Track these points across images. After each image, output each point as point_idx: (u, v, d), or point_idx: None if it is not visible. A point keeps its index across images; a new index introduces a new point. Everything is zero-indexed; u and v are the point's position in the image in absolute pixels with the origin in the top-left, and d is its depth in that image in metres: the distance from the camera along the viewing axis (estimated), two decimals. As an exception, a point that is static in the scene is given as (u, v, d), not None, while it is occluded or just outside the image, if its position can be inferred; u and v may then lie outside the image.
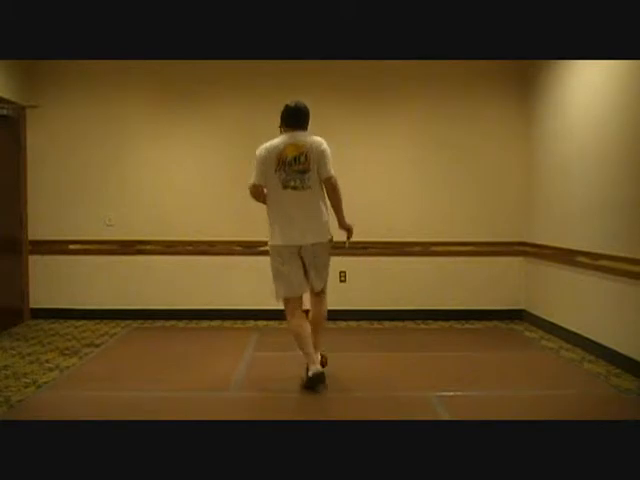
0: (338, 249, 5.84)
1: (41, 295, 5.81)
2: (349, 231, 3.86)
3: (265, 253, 5.82)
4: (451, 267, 5.86)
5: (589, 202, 4.60)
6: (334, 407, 3.48)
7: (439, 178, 5.85)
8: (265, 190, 3.73)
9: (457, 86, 5.82)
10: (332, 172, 3.68)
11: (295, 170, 3.63)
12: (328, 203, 3.76)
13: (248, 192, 3.76)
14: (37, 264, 5.80)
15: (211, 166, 5.83)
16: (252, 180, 3.69)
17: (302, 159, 3.62)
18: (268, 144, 3.70)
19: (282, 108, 3.76)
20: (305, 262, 3.76)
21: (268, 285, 5.83)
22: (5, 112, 5.37)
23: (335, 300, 5.76)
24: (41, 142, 5.77)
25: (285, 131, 3.74)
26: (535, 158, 5.67)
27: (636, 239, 4.00)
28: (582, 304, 4.75)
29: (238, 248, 5.82)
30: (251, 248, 5.83)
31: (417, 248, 5.86)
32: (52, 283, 5.80)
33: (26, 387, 3.73)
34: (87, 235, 5.80)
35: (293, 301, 3.81)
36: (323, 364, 3.79)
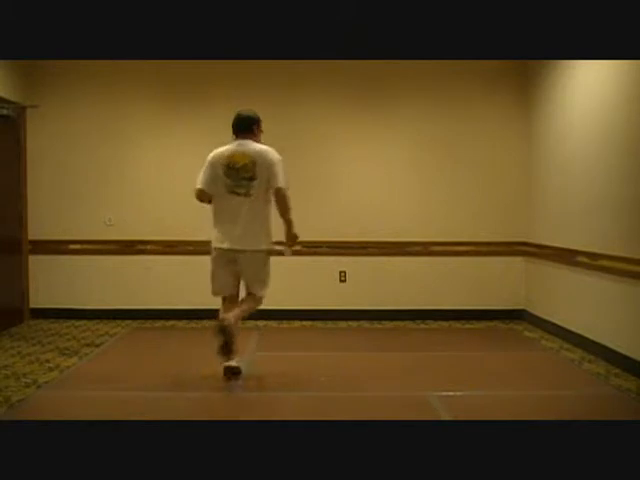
0: (337, 248, 5.88)
1: (41, 295, 5.80)
2: (293, 240, 3.90)
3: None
4: (451, 267, 5.86)
5: (589, 202, 4.60)
6: (334, 407, 3.48)
7: (439, 178, 5.85)
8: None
9: (457, 86, 5.82)
10: (282, 183, 3.75)
11: (242, 177, 3.73)
12: (272, 212, 3.84)
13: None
14: (37, 264, 5.80)
15: (211, 166, 5.83)
16: (198, 184, 3.84)
17: (249, 166, 3.73)
18: (219, 149, 3.84)
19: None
20: (240, 267, 3.83)
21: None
22: (5, 112, 5.37)
23: (335, 300, 5.81)
24: (41, 142, 5.77)
25: (238, 138, 3.87)
26: (535, 158, 5.68)
27: (636, 239, 4.00)
28: (582, 304, 4.75)
29: (238, 248, 5.81)
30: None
31: (417, 248, 5.86)
32: (52, 283, 5.80)
33: (26, 387, 3.73)
34: (87, 235, 5.79)
35: (226, 299, 3.91)
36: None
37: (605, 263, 4.34)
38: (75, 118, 5.78)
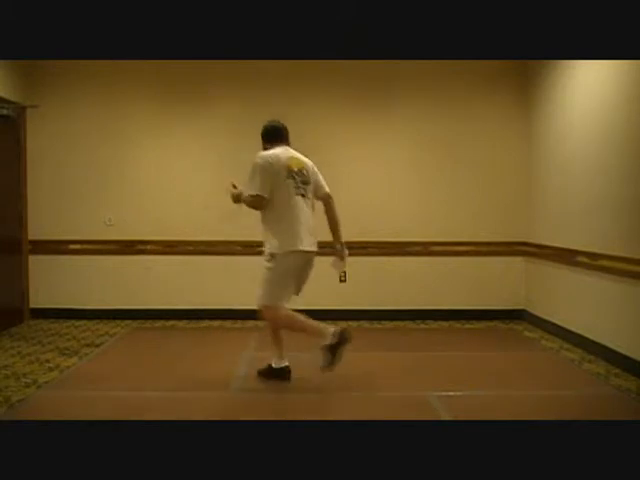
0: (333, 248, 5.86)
1: (41, 295, 5.80)
2: (345, 251, 3.93)
3: (263, 253, 5.86)
4: (451, 267, 5.86)
5: (589, 202, 4.60)
6: (334, 407, 3.48)
7: (439, 178, 5.85)
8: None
9: (457, 86, 5.82)
10: (327, 188, 3.89)
11: (302, 180, 3.73)
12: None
13: (246, 200, 3.72)
14: (37, 264, 5.80)
15: (211, 166, 5.83)
16: (257, 191, 3.62)
17: (304, 172, 3.75)
18: (270, 153, 3.70)
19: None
20: (304, 269, 3.79)
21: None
22: (5, 112, 5.37)
23: (335, 300, 5.80)
24: (41, 142, 5.77)
25: (276, 146, 3.77)
26: (535, 158, 5.68)
27: (636, 239, 4.00)
28: (582, 304, 4.75)
29: (238, 248, 5.82)
30: (251, 248, 5.83)
31: (417, 248, 5.86)
32: (52, 283, 5.80)
33: (26, 387, 3.73)
34: (87, 235, 5.80)
35: (282, 307, 3.76)
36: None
37: (605, 263, 4.34)
38: (75, 118, 5.78)
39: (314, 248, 3.76)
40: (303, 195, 3.72)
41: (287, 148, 3.81)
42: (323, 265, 5.88)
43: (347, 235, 5.84)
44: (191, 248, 5.83)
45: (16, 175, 5.65)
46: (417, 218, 5.88)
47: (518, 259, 5.88)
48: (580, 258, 4.71)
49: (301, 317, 3.71)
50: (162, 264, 5.81)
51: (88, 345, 4.83)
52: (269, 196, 3.63)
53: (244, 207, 5.83)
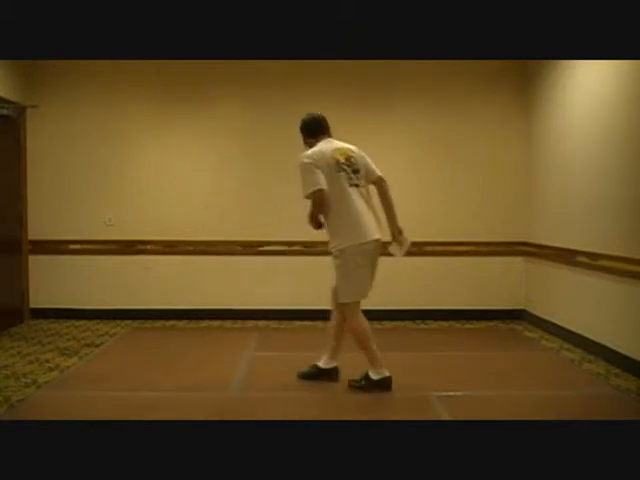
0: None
1: (41, 295, 5.80)
2: (401, 234, 3.80)
3: (263, 253, 5.88)
4: (451, 267, 5.86)
5: (589, 202, 4.60)
6: (334, 407, 3.48)
7: (439, 178, 5.85)
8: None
9: (457, 86, 5.82)
10: (379, 171, 3.78)
11: (352, 170, 3.65)
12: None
13: (309, 213, 3.66)
14: (37, 264, 5.80)
15: (211, 166, 5.84)
16: (317, 186, 3.51)
17: (352, 160, 3.66)
18: (316, 150, 3.63)
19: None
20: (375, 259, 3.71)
21: (268, 285, 5.88)
22: (5, 112, 5.37)
23: (335, 300, 5.80)
24: (41, 142, 5.77)
25: (319, 139, 3.73)
26: (535, 158, 5.68)
27: (636, 239, 4.00)
28: (582, 304, 4.75)
29: (238, 248, 5.82)
30: (251, 248, 5.83)
31: (417, 248, 5.85)
32: (52, 283, 5.80)
33: (26, 387, 3.73)
34: (87, 235, 5.79)
35: (358, 302, 3.71)
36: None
37: (605, 263, 4.34)
38: (75, 118, 5.78)
39: (379, 235, 3.66)
40: (356, 185, 3.65)
41: (330, 140, 3.74)
42: (323, 265, 5.89)
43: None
44: (191, 248, 5.83)
45: (16, 175, 5.65)
46: (417, 218, 5.86)
47: (518, 259, 5.88)
48: (580, 258, 4.71)
49: (371, 336, 3.70)
50: (162, 264, 5.81)
51: (88, 345, 4.83)
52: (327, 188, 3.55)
53: (243, 207, 5.86)
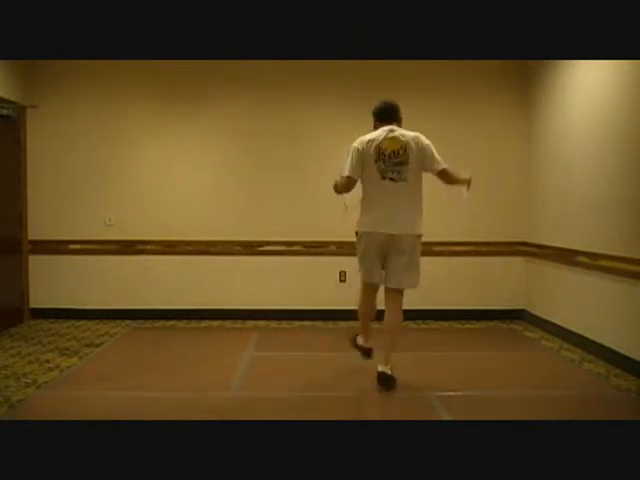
0: (337, 248, 5.87)
1: (41, 295, 5.81)
2: (469, 182, 3.89)
3: (263, 253, 5.88)
4: (451, 267, 5.86)
5: (589, 202, 4.60)
6: (334, 407, 3.48)
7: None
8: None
9: (457, 86, 5.82)
10: (443, 164, 3.76)
11: (394, 162, 3.69)
12: (422, 197, 3.81)
13: (334, 182, 3.84)
14: (37, 264, 5.80)
15: (211, 166, 5.84)
16: (346, 172, 3.74)
17: (401, 152, 3.70)
18: (367, 136, 3.78)
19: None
20: (390, 253, 3.74)
21: (268, 285, 5.88)
22: (5, 112, 5.37)
23: (335, 300, 5.80)
24: (41, 142, 5.77)
25: (380, 125, 3.85)
26: (535, 158, 5.68)
27: (636, 239, 4.00)
28: (582, 304, 4.75)
29: (238, 248, 5.82)
30: (251, 248, 5.83)
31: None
32: (52, 283, 5.80)
33: (26, 387, 3.73)
34: (87, 235, 5.80)
35: (370, 286, 3.91)
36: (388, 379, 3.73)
37: (605, 263, 4.34)
38: (75, 118, 5.78)
39: (397, 231, 3.67)
40: (393, 179, 3.68)
41: (391, 128, 3.78)
42: (323, 265, 5.91)
43: (347, 235, 5.86)
44: (191, 248, 5.83)
45: (16, 175, 5.65)
46: (417, 218, 5.87)
47: (518, 259, 5.88)
48: (580, 258, 4.71)
49: (366, 316, 4.00)
50: (162, 264, 5.81)
51: (88, 345, 4.83)
52: (359, 177, 3.74)
53: (243, 207, 5.86)
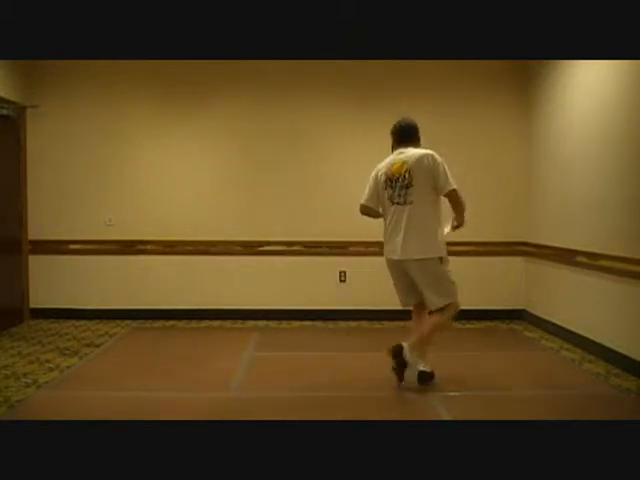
0: (337, 248, 5.88)
1: (41, 295, 5.81)
2: (457, 227, 3.84)
3: (263, 253, 5.88)
4: (451, 267, 5.84)
5: (589, 202, 4.60)
6: (334, 407, 3.48)
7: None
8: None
9: (457, 86, 5.82)
10: (451, 185, 3.66)
11: (399, 186, 3.71)
12: (437, 217, 3.75)
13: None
14: (37, 264, 5.81)
15: (211, 166, 5.84)
16: (362, 200, 3.92)
17: (405, 175, 3.69)
18: (381, 163, 3.87)
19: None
20: (412, 277, 3.75)
21: (268, 285, 5.88)
22: (5, 112, 5.37)
23: (335, 300, 5.81)
24: (41, 142, 5.77)
25: (397, 146, 3.87)
26: (535, 158, 5.68)
27: (636, 239, 4.00)
28: (582, 304, 4.75)
29: (238, 248, 5.82)
30: (251, 248, 5.84)
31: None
32: (52, 283, 5.80)
33: (26, 387, 3.73)
34: (87, 235, 5.80)
35: (414, 309, 3.97)
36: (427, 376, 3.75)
37: (605, 263, 4.34)
38: (75, 118, 5.78)
39: (401, 257, 3.67)
40: (399, 203, 3.70)
41: (400, 151, 3.78)
42: (323, 265, 5.91)
43: (347, 235, 5.89)
44: (191, 248, 5.83)
45: (16, 175, 5.65)
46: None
47: (518, 259, 5.88)
48: (580, 258, 4.71)
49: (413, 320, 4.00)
50: (162, 264, 5.81)
51: (88, 345, 4.83)
52: (376, 205, 3.88)
53: (243, 207, 5.86)
